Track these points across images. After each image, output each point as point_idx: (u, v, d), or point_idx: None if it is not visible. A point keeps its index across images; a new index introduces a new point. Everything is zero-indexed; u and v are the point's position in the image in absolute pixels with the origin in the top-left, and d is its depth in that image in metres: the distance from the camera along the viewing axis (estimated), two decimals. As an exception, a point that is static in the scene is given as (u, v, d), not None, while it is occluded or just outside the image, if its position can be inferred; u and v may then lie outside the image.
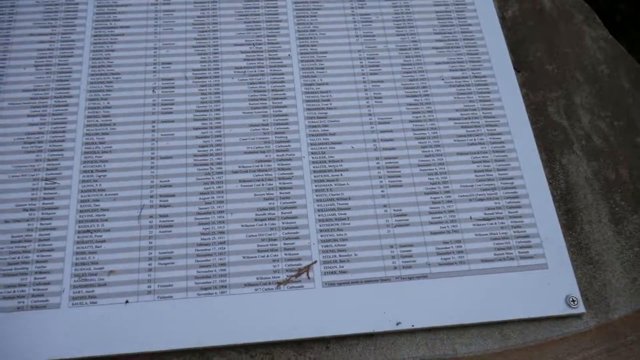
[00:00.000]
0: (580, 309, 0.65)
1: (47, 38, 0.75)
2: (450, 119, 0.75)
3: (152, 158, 0.69)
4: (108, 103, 0.72)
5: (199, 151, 0.70)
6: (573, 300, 0.65)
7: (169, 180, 0.68)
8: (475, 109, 0.76)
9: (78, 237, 0.64)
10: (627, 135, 0.77)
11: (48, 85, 0.72)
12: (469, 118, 0.75)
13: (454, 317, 0.64)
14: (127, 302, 0.61)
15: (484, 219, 0.69)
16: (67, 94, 0.72)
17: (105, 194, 0.67)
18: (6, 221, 0.64)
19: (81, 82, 0.73)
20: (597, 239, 0.70)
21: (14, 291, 0.61)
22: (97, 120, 0.71)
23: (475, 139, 0.74)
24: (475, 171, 0.72)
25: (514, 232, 0.69)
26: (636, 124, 0.77)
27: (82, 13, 0.77)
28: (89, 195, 0.66)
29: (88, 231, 0.65)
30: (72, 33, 0.76)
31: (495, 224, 0.69)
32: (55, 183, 0.67)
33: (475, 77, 0.78)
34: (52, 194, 0.66)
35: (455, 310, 0.64)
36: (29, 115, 0.70)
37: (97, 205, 0.66)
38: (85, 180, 0.67)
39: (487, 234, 0.68)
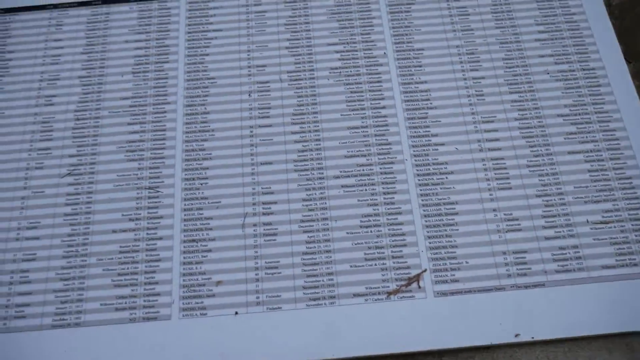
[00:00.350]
0: None
1: (142, 44, 0.75)
2: (558, 115, 0.70)
3: (252, 164, 0.68)
4: (205, 109, 0.71)
5: (299, 156, 0.68)
6: None
7: (270, 187, 0.67)
8: (585, 104, 0.71)
9: (184, 246, 0.64)
10: None
11: (146, 93, 0.72)
12: (579, 114, 0.70)
13: (575, 328, 0.60)
14: (236, 313, 0.60)
15: (602, 222, 0.65)
16: (165, 101, 0.71)
17: (208, 202, 0.66)
18: (114, 231, 0.64)
19: (178, 87, 0.72)
20: None
21: (126, 302, 0.61)
22: (195, 127, 0.70)
23: (587, 137, 0.69)
24: (589, 171, 0.67)
25: (636, 235, 0.64)
26: None
27: (174, 17, 0.76)
28: (192, 204, 0.66)
29: (193, 240, 0.64)
30: (165, 38, 0.75)
31: (615, 227, 0.64)
32: (158, 192, 0.66)
33: (584, 69, 0.73)
34: (156, 202, 0.66)
35: (577, 321, 0.60)
36: (129, 124, 0.70)
37: (200, 214, 0.65)
38: (188, 188, 0.67)
39: (606, 239, 0.64)
